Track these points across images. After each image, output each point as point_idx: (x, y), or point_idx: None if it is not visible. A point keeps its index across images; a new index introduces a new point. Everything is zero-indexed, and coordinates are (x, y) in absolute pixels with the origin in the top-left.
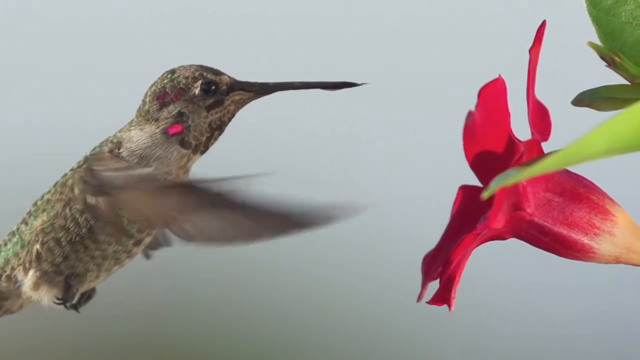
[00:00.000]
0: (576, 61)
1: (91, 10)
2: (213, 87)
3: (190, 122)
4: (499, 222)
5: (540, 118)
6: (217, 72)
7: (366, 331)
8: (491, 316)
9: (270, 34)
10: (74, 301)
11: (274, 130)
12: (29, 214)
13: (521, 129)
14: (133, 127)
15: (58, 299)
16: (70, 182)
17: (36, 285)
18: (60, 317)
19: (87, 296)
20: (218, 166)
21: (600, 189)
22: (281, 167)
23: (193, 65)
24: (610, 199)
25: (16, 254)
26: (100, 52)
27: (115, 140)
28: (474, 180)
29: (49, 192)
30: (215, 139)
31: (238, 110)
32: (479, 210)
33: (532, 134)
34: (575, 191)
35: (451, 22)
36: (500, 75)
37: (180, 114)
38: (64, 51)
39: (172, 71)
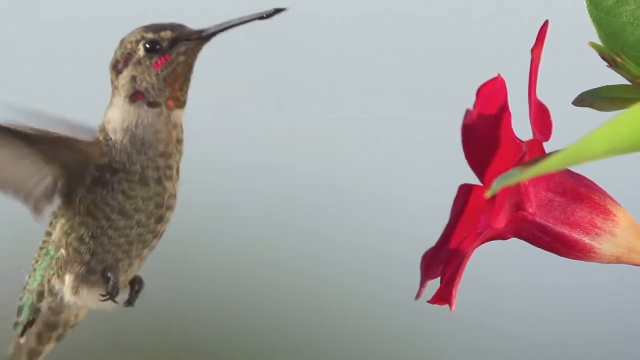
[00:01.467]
0: (578, 61)
1: (90, 10)
2: (156, 46)
3: (145, 84)
4: (501, 222)
5: (541, 118)
6: (159, 29)
7: (366, 331)
8: (491, 316)
9: (269, 35)
10: (118, 294)
11: (273, 130)
12: (50, 224)
13: (522, 129)
14: (108, 107)
15: (103, 296)
16: None
17: (75, 289)
18: None
19: (138, 289)
20: (219, 166)
21: (601, 189)
22: (280, 166)
23: (137, 28)
24: (612, 199)
25: (49, 266)
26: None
27: (101, 128)
28: (474, 180)
29: None
30: (183, 90)
31: (193, 60)
32: (479, 210)
33: (534, 134)
34: (577, 191)
35: (452, 22)
36: (499, 74)
37: (133, 78)
38: (61, 50)
39: (122, 39)
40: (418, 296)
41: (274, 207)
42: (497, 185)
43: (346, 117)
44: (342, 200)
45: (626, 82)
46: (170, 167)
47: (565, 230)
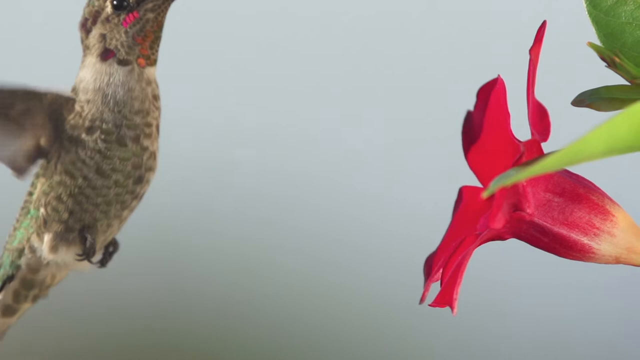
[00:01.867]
0: (576, 61)
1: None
2: (123, 2)
3: (114, 41)
4: (498, 222)
5: (539, 118)
6: None
7: (366, 331)
8: (491, 316)
9: (270, 35)
10: (95, 254)
11: (272, 130)
12: (32, 183)
13: (521, 129)
14: (81, 68)
15: (79, 255)
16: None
17: (54, 248)
18: (59, 317)
19: (112, 251)
20: (218, 166)
21: (600, 189)
22: (279, 166)
23: None
24: (610, 199)
25: (29, 225)
26: None
27: (73, 88)
28: (474, 181)
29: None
30: (153, 48)
31: (162, 17)
32: (480, 211)
33: (532, 134)
34: (575, 191)
35: (450, 22)
36: (499, 75)
37: (102, 36)
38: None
39: None
40: (422, 299)
41: (274, 207)
42: (494, 186)
43: (346, 118)
44: (342, 201)
45: (625, 82)
46: (148, 125)
47: (564, 231)
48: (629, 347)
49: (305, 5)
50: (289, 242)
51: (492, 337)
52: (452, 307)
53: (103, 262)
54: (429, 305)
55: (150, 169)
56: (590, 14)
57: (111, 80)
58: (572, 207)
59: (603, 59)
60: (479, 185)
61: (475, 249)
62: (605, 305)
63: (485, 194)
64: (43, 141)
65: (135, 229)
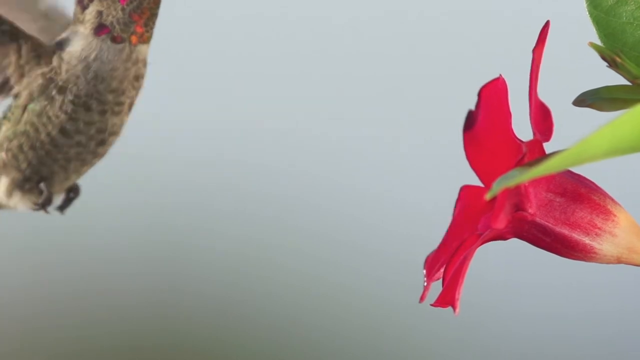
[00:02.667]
0: (577, 62)
1: None
2: None
3: (110, 17)
4: (501, 222)
5: (542, 118)
6: None
7: (366, 331)
8: (491, 316)
9: (270, 35)
10: (50, 204)
11: (273, 130)
12: None
13: (522, 129)
14: (69, 33)
15: (35, 205)
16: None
17: (9, 192)
18: (59, 317)
19: (72, 197)
20: (218, 166)
21: (601, 189)
22: (279, 166)
23: None
24: (612, 200)
25: None
26: None
27: (59, 42)
28: (475, 181)
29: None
30: (148, 25)
31: None
32: (481, 211)
33: (534, 134)
34: (577, 192)
35: (452, 22)
36: (500, 75)
37: (99, 12)
38: None
39: None
40: (422, 299)
41: (274, 207)
42: (497, 186)
43: (347, 118)
44: (342, 201)
45: (626, 82)
46: (119, 103)
47: (565, 231)
48: (629, 347)
49: (306, 6)
50: (289, 242)
51: (492, 337)
52: (454, 307)
53: (62, 208)
54: (431, 305)
55: (115, 133)
56: (591, 14)
57: (98, 55)
58: (573, 207)
59: (604, 59)
60: (480, 184)
61: (477, 249)
62: (605, 305)
63: (488, 195)
64: (13, 80)
65: (136, 229)
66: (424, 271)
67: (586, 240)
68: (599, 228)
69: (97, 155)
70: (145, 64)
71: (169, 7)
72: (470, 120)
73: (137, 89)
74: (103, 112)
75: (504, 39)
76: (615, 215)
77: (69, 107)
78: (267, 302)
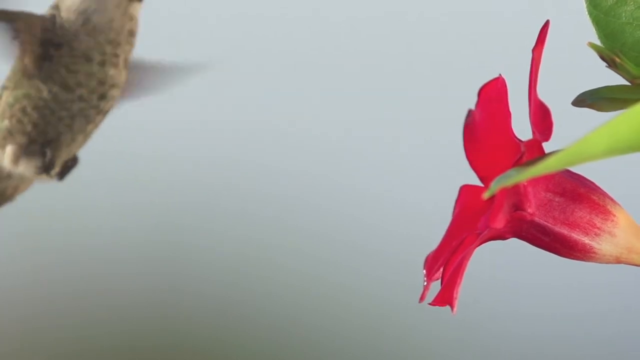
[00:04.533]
0: (577, 62)
1: None
2: None
3: None
4: (499, 222)
5: (541, 118)
6: None
7: (366, 331)
8: (491, 316)
9: (271, 35)
10: (54, 168)
11: (272, 130)
12: None
13: (522, 129)
14: None
15: (39, 168)
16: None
17: (15, 159)
18: (59, 317)
19: (70, 165)
20: (218, 166)
21: (601, 189)
22: (279, 166)
23: None
24: (611, 199)
25: None
26: None
27: (54, 5)
28: (475, 180)
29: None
30: None
31: None
32: (480, 210)
33: (533, 133)
34: (576, 191)
35: (451, 22)
36: (500, 75)
37: None
38: None
39: None
40: (421, 299)
41: (274, 207)
42: (495, 186)
43: (347, 118)
44: (342, 201)
45: (625, 82)
46: (116, 55)
47: (564, 230)
48: (629, 347)
49: (307, 6)
50: (289, 242)
51: (492, 337)
52: (452, 307)
53: (61, 176)
54: (429, 304)
55: (115, 86)
56: (590, 14)
57: (97, 8)
58: (573, 207)
59: (603, 59)
60: (480, 184)
61: (476, 249)
62: (605, 305)
63: (486, 195)
64: (11, 50)
65: (136, 229)
66: (424, 271)
67: (585, 240)
68: (598, 228)
69: (100, 111)
70: (137, 22)
71: (170, 8)
72: (470, 120)
73: (131, 44)
74: (102, 63)
75: (504, 39)
76: (614, 215)
77: (68, 60)
78: (267, 302)
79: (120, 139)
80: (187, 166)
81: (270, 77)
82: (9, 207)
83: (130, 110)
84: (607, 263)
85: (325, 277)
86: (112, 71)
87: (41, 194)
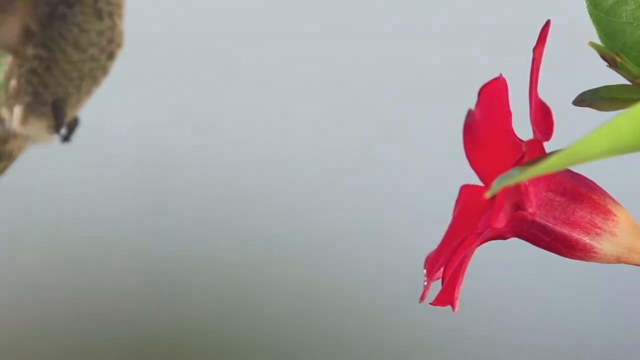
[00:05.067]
0: (577, 61)
1: None
2: None
3: None
4: (500, 221)
5: (542, 117)
6: None
7: (366, 331)
8: (491, 316)
9: (270, 35)
10: (62, 127)
11: (272, 130)
12: None
13: (522, 129)
14: None
15: (50, 127)
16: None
17: (24, 119)
18: (59, 317)
19: (73, 126)
20: (218, 166)
21: (601, 188)
22: (278, 167)
23: None
24: (612, 199)
25: None
26: None
27: None
28: (475, 180)
29: None
30: None
31: None
32: (481, 210)
33: (534, 133)
34: (577, 191)
35: (453, 22)
36: (501, 75)
37: None
38: None
39: None
40: (422, 298)
41: (274, 207)
42: (496, 186)
43: (347, 118)
44: (341, 201)
45: (626, 82)
46: (119, 5)
47: (565, 230)
48: (629, 347)
49: (307, 6)
50: (288, 242)
51: (491, 337)
52: (453, 306)
53: (66, 138)
54: (430, 304)
55: (119, 45)
56: (591, 13)
57: None
58: (574, 206)
59: (604, 58)
60: (480, 184)
61: (476, 249)
62: (605, 305)
63: (487, 195)
64: (17, 15)
65: (136, 229)
66: (424, 271)
67: (586, 239)
68: (599, 227)
69: (105, 71)
70: None
71: (170, 8)
72: (471, 120)
73: None
74: (110, 15)
75: (504, 39)
76: (615, 215)
77: (80, 19)
78: (267, 301)
79: (120, 139)
80: (186, 166)
81: (271, 77)
82: (8, 204)
83: (132, 110)
84: (608, 263)
85: (326, 277)
86: (118, 21)
87: (41, 193)
